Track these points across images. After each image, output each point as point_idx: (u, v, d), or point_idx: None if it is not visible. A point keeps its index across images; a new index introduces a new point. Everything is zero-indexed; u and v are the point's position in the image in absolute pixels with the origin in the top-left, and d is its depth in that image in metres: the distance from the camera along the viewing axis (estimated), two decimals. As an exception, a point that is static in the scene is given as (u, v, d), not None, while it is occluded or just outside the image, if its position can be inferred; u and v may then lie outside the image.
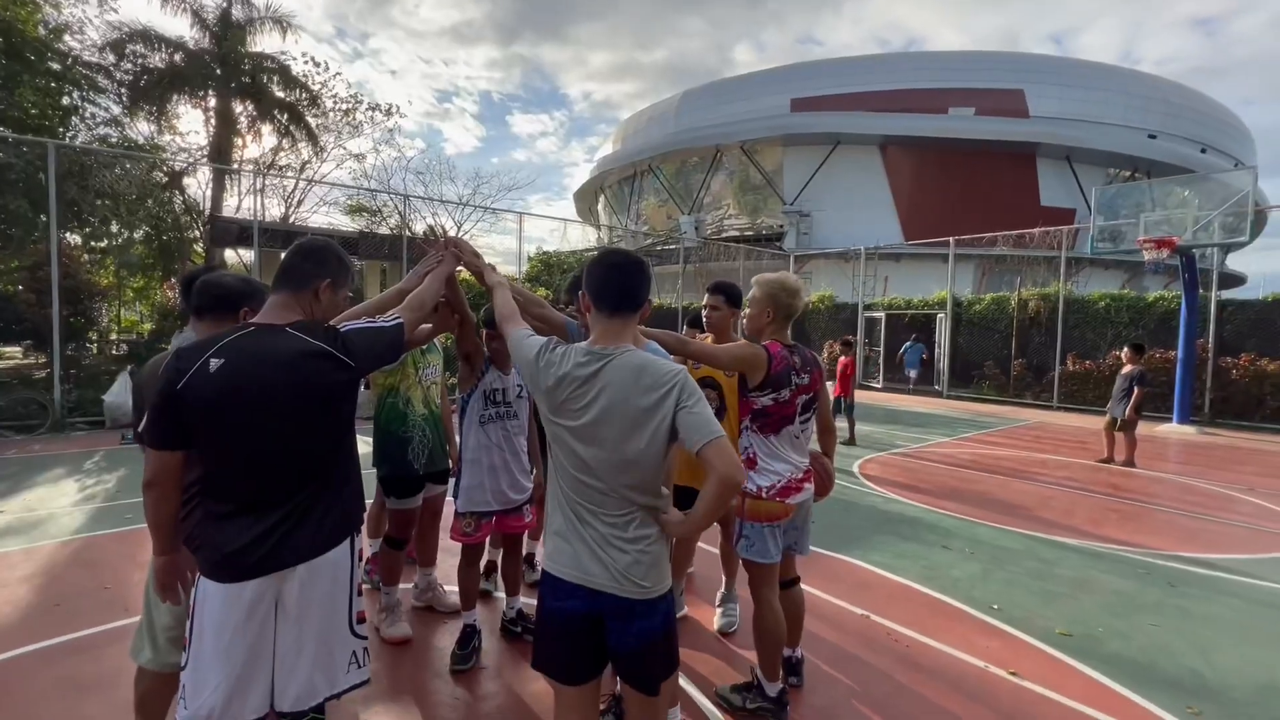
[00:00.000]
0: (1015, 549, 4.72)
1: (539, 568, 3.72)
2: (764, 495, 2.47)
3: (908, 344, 17.30)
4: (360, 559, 1.77)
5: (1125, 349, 8.27)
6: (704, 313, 3.13)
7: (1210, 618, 3.64)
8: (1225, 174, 14.09)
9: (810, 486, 2.60)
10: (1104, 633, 3.39)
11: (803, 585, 2.88)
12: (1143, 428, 8.40)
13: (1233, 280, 25.89)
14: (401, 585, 3.32)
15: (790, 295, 2.54)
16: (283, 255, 1.78)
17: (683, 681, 2.73)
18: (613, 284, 1.69)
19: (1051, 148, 26.55)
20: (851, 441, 9.08)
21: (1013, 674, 2.93)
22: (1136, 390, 7.71)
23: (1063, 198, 26.61)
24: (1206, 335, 12.21)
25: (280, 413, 1.59)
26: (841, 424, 9.45)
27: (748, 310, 2.63)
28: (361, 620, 1.75)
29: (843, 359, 9.21)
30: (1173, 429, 11.11)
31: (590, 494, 1.66)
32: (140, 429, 1.68)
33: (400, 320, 1.88)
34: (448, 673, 2.82)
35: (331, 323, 1.80)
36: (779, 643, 2.53)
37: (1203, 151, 28.57)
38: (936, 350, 16.74)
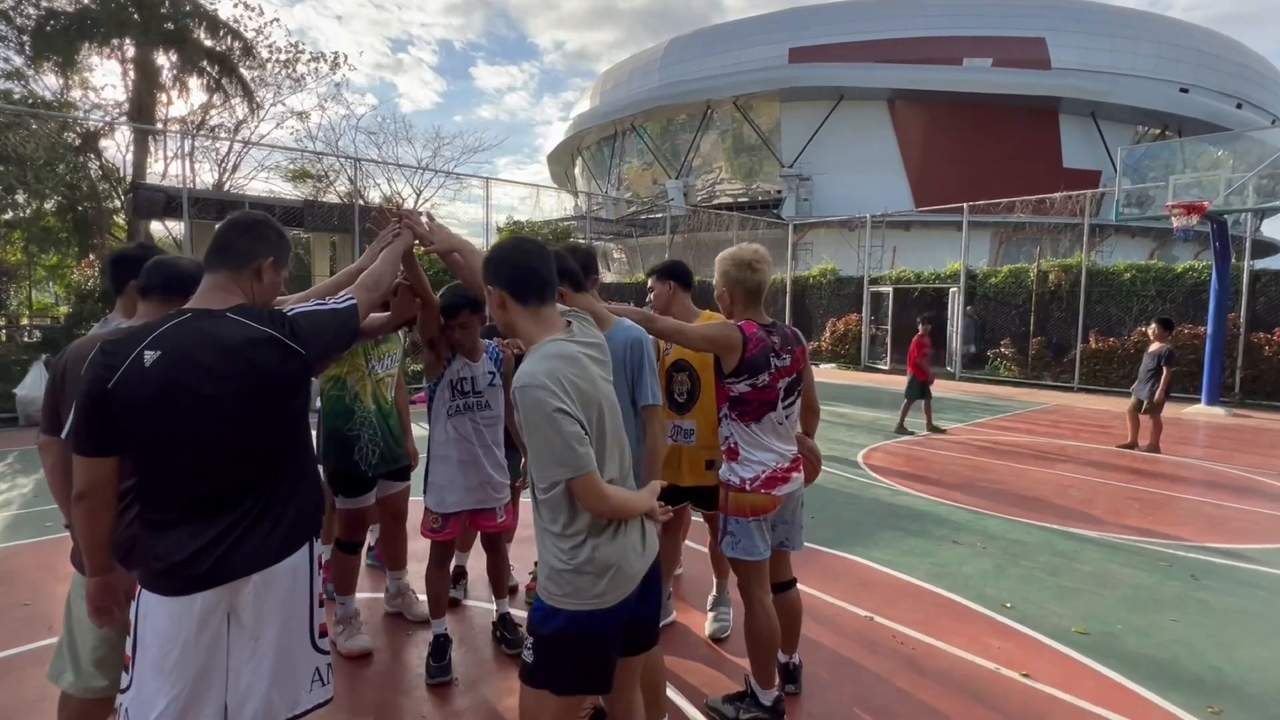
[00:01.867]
0: (1030, 542, 4.86)
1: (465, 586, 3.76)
2: (748, 488, 2.50)
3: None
4: (319, 566, 1.78)
5: (1152, 325, 8.44)
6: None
7: (1234, 612, 3.79)
8: (1261, 131, 14.31)
9: (799, 475, 2.63)
10: (1122, 630, 3.52)
11: (801, 585, 2.95)
12: (1168, 410, 8.61)
13: (1268, 248, 26.44)
14: (360, 595, 3.34)
15: (742, 269, 2.54)
16: (215, 230, 1.76)
17: (671, 693, 2.78)
18: (534, 275, 1.76)
19: (1075, 103, 26.73)
20: (900, 429, 9.24)
21: (1025, 676, 3.03)
22: (1165, 371, 7.88)
23: (1087, 159, 26.90)
24: (1238, 308, 12.50)
25: (226, 409, 1.57)
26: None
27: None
28: (323, 634, 1.76)
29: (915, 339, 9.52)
30: (1200, 410, 11.40)
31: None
32: (66, 431, 1.64)
33: (353, 300, 1.86)
34: (411, 689, 2.86)
35: (277, 305, 1.79)
36: (773, 646, 2.59)
37: (1238, 107, 28.94)
38: (949, 328, 16.93)
